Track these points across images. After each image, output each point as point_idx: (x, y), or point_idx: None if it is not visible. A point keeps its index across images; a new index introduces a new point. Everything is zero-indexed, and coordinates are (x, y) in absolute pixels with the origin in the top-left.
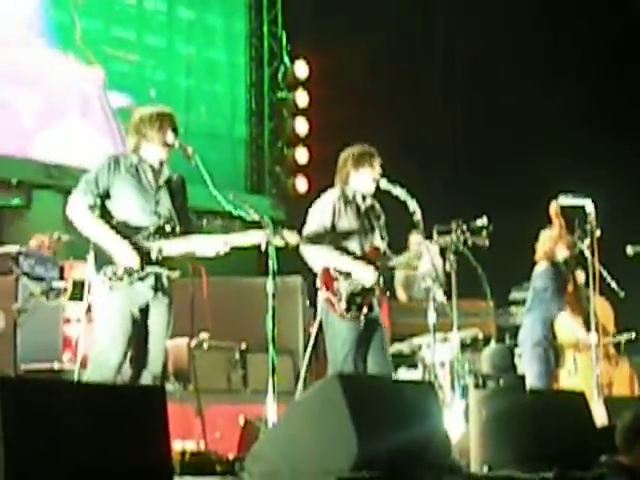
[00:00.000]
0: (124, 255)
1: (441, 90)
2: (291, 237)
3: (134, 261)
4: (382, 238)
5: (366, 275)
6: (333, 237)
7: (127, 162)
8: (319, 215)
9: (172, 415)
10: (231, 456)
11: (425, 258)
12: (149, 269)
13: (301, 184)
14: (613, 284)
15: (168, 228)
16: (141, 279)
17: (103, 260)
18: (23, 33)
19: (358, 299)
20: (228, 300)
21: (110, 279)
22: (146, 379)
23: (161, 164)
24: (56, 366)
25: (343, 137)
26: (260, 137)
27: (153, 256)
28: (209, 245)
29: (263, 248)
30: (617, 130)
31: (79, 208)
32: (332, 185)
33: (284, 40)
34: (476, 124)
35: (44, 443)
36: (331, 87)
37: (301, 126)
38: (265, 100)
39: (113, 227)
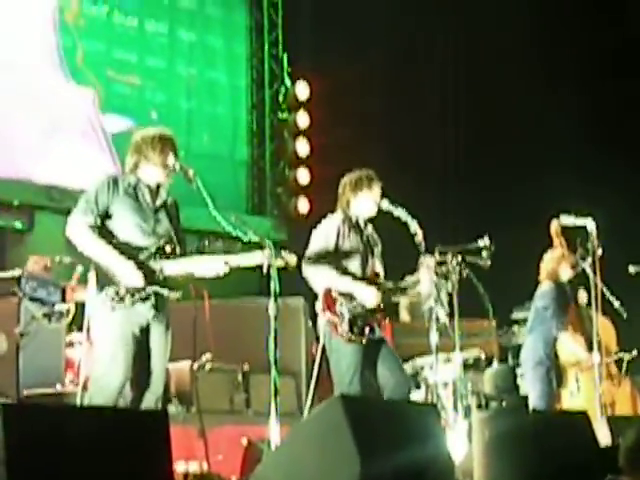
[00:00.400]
0: (128, 274)
1: (441, 107)
2: (290, 258)
3: (139, 280)
4: (380, 265)
5: (369, 295)
6: (335, 259)
7: (125, 183)
8: (323, 237)
9: (175, 437)
10: (234, 478)
11: (426, 279)
12: (151, 289)
13: (303, 205)
14: (616, 303)
15: (168, 249)
16: (142, 300)
17: (105, 280)
18: (30, 57)
19: (360, 321)
20: (230, 322)
21: (112, 299)
22: (149, 400)
23: (158, 186)
24: (58, 389)
25: (344, 157)
26: (261, 158)
27: (155, 276)
28: (209, 266)
29: (265, 269)
30: (620, 147)
31: (80, 228)
32: (334, 206)
33: (285, 62)
34: (477, 141)
35: (47, 468)
36: (332, 108)
37: (302, 147)
38: (266, 121)
39: (115, 247)
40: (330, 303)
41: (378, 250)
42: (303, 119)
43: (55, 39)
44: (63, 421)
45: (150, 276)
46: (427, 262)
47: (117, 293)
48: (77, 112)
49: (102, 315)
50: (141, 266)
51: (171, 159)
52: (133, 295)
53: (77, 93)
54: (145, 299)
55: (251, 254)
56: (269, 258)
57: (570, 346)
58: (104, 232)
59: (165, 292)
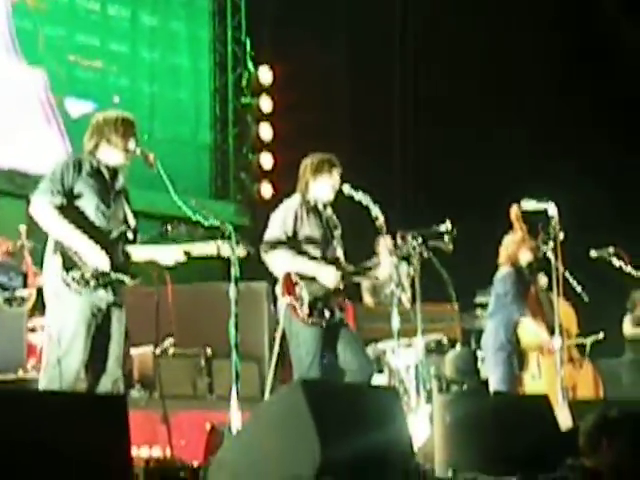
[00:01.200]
0: (95, 257)
1: (404, 94)
2: (242, 251)
3: (105, 263)
4: (340, 248)
5: (329, 276)
6: (295, 243)
7: (87, 164)
8: (281, 221)
9: (138, 422)
10: (196, 463)
11: (387, 262)
12: (114, 275)
13: (266, 190)
14: (577, 288)
15: (130, 235)
16: (105, 285)
17: (69, 263)
18: None
19: (320, 304)
20: (193, 307)
21: (78, 283)
22: (105, 384)
23: (116, 170)
24: (20, 374)
25: (308, 142)
26: (224, 143)
27: (119, 262)
28: (168, 254)
29: (224, 255)
30: (582, 130)
31: (45, 208)
32: (295, 191)
33: (248, 46)
34: (440, 126)
35: (4, 453)
36: (295, 92)
37: (265, 132)
38: (229, 106)
39: (80, 229)
40: (290, 286)
41: (338, 233)
42: (266, 104)
43: (6, 21)
44: (21, 405)
45: (115, 261)
46: (387, 244)
47: (82, 276)
48: (30, 94)
49: (63, 298)
50: (106, 250)
51: (132, 143)
52: (97, 279)
53: (28, 75)
54: (107, 284)
55: (210, 244)
56: (228, 249)
57: (533, 329)
58: (69, 213)
59: (127, 279)
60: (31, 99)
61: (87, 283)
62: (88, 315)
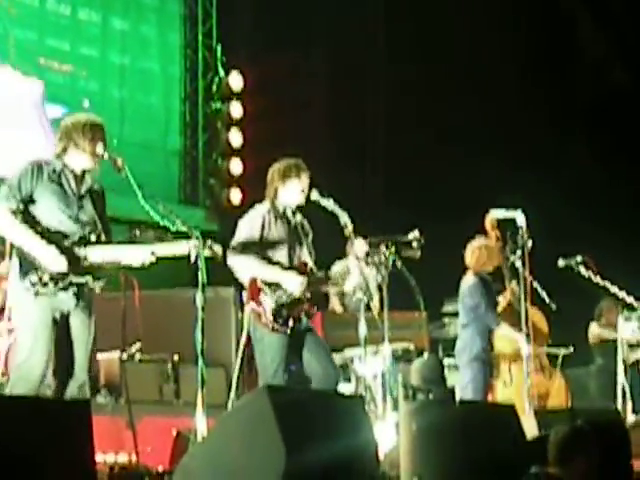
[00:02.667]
0: (51, 260)
1: (376, 100)
2: (217, 248)
3: (62, 265)
4: (310, 255)
5: (294, 283)
6: (261, 249)
7: (50, 168)
8: (248, 227)
9: (104, 428)
10: (161, 469)
11: (355, 270)
12: (74, 278)
13: (235, 196)
14: (545, 296)
15: (93, 237)
16: (65, 288)
17: (27, 267)
18: None
19: (285, 311)
20: (160, 312)
21: (34, 285)
22: (72, 388)
23: (84, 173)
24: None
25: (277, 148)
26: (194, 148)
27: (79, 264)
28: (135, 255)
29: (192, 259)
30: (551, 140)
31: (1, 214)
32: (264, 198)
33: (219, 52)
34: (413, 134)
35: None
36: (265, 99)
37: (235, 138)
38: (199, 111)
39: (38, 233)
40: (255, 293)
41: (308, 240)
42: (236, 109)
43: None
44: None
45: (74, 263)
46: (357, 252)
47: (40, 279)
48: (23, 102)
49: (24, 302)
50: (64, 252)
51: (100, 147)
52: (56, 282)
53: (23, 83)
54: (67, 287)
55: (178, 244)
56: (196, 248)
57: (511, 335)
58: (27, 218)
59: (89, 281)
60: (25, 107)
61: (45, 285)
62: (49, 319)
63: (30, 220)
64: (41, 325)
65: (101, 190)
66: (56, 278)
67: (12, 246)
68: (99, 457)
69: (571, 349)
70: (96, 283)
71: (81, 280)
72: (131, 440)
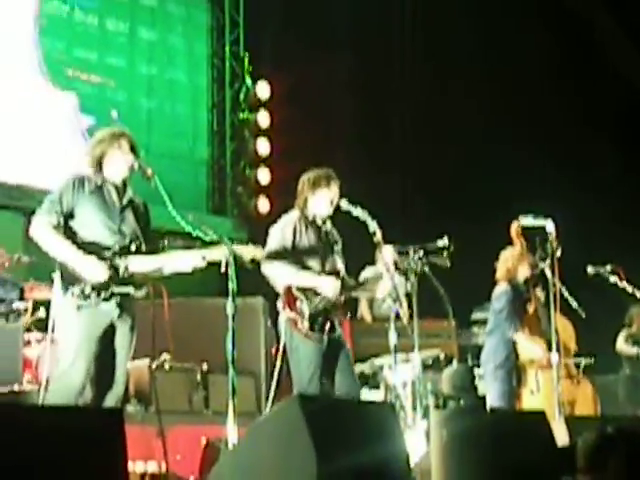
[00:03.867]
0: (91, 270)
1: (403, 109)
2: (257, 251)
3: (102, 275)
4: (340, 263)
5: (329, 286)
6: (294, 256)
7: (91, 182)
8: (280, 234)
9: (134, 437)
10: (192, 478)
11: (385, 278)
12: (116, 288)
13: (263, 205)
14: (574, 304)
15: (133, 247)
16: (107, 299)
17: (70, 279)
18: (13, 63)
19: (320, 319)
20: (190, 321)
21: (78, 298)
22: (110, 400)
23: (124, 184)
24: (16, 388)
25: (305, 157)
26: (222, 158)
27: (119, 274)
28: (185, 260)
29: (231, 263)
30: (580, 148)
31: (43, 228)
32: (293, 206)
33: (246, 61)
34: (441, 142)
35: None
36: (293, 108)
37: (263, 147)
38: (227, 121)
39: (79, 246)
40: (290, 300)
41: (338, 248)
42: (264, 119)
43: (37, 44)
44: (17, 419)
45: (115, 273)
46: (385, 259)
47: (82, 292)
48: (58, 116)
49: (67, 314)
50: (104, 262)
51: (130, 157)
52: (99, 294)
53: (58, 97)
54: (109, 298)
55: (221, 248)
56: (238, 251)
57: (526, 345)
58: (68, 232)
59: (130, 290)
60: (59, 121)
61: (87, 297)
62: (91, 331)
63: (71, 234)
64: (83, 338)
65: (143, 204)
66: (98, 289)
67: (55, 261)
68: (129, 466)
69: (592, 360)
70: (138, 292)
71: (123, 290)
72: (161, 449)
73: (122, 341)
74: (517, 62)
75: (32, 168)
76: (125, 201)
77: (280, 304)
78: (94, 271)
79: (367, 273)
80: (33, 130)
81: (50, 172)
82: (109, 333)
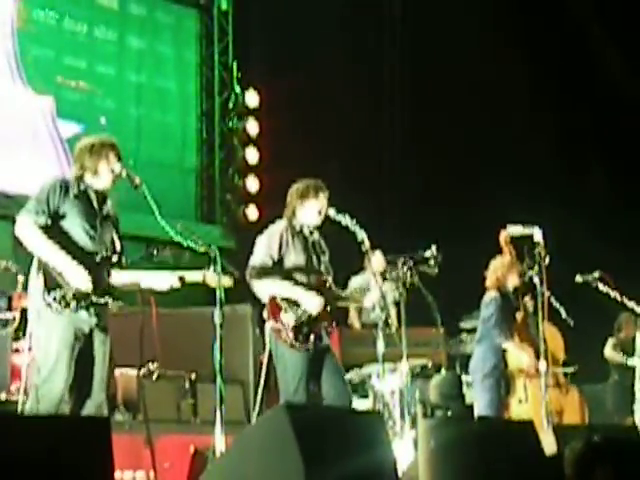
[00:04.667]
0: (78, 278)
1: (391, 120)
2: (227, 281)
3: (87, 284)
4: (327, 273)
5: (312, 302)
6: (279, 267)
7: (75, 187)
8: (266, 244)
9: (122, 445)
10: None
11: (374, 286)
12: (95, 298)
13: (252, 213)
14: (562, 312)
15: (115, 258)
16: (86, 307)
17: (52, 283)
18: None
19: (305, 329)
20: (178, 330)
21: (59, 303)
22: (89, 408)
23: (105, 195)
24: (3, 397)
25: (294, 166)
26: (211, 166)
27: (102, 284)
28: (162, 280)
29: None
30: (567, 157)
31: (30, 227)
32: (283, 214)
33: (235, 69)
34: (427, 154)
35: None
36: (282, 116)
37: (252, 155)
38: (216, 129)
39: (64, 249)
40: (275, 311)
41: (325, 258)
42: (253, 127)
43: (12, 46)
44: (2, 429)
45: (98, 284)
46: (374, 268)
47: (64, 297)
48: (33, 120)
49: (46, 319)
50: (90, 272)
51: (117, 166)
52: (79, 301)
53: (34, 101)
54: (89, 306)
55: (200, 272)
56: (214, 277)
57: (515, 353)
58: (54, 233)
59: (110, 301)
60: (34, 125)
61: (68, 304)
62: (70, 337)
63: (57, 236)
64: (63, 344)
65: (115, 214)
66: (78, 297)
67: (39, 262)
68: (117, 475)
69: (573, 369)
70: (115, 304)
71: (102, 300)
72: (149, 457)
73: (99, 349)
74: (503, 76)
75: (20, 177)
76: (105, 211)
77: (265, 314)
78: (80, 279)
79: (356, 281)
80: (9, 135)
81: (35, 181)
82: (87, 341)
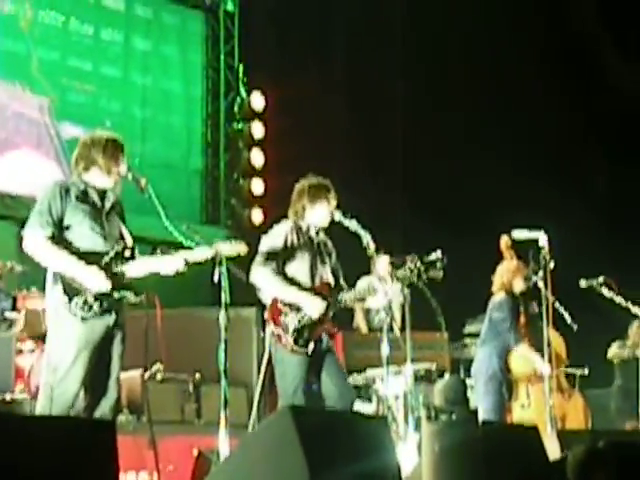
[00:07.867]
0: (94, 280)
1: (397, 122)
2: (241, 247)
3: (105, 285)
4: (334, 274)
5: (313, 307)
6: (284, 266)
7: (74, 188)
8: (271, 244)
9: (125, 447)
10: None
11: (379, 290)
12: (117, 294)
13: (257, 215)
14: (567, 317)
15: (127, 253)
16: (109, 308)
17: (72, 292)
18: None
19: (306, 333)
20: (182, 332)
21: (82, 309)
22: (104, 407)
23: (105, 191)
24: (8, 397)
25: (299, 169)
26: (216, 168)
27: (119, 280)
28: (168, 264)
29: (217, 259)
30: (571, 161)
31: (38, 242)
32: (287, 216)
33: (240, 72)
34: (436, 155)
35: None
36: (287, 119)
37: (257, 157)
38: (221, 131)
39: (75, 255)
40: (275, 314)
41: (331, 259)
42: (258, 129)
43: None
44: (7, 430)
45: (115, 281)
46: (380, 270)
47: (85, 302)
48: (31, 120)
49: (67, 326)
50: (104, 271)
51: (123, 167)
52: (101, 303)
53: (31, 102)
54: (112, 306)
55: (203, 248)
56: (221, 247)
57: (529, 356)
58: (62, 241)
59: (131, 296)
60: (30, 125)
61: (91, 308)
62: (90, 342)
63: (67, 243)
64: (82, 348)
65: (119, 201)
66: (100, 299)
67: (54, 273)
68: (120, 476)
69: (586, 370)
70: (137, 297)
71: (124, 295)
72: (152, 459)
73: (117, 348)
74: (511, 77)
75: (23, 177)
76: (108, 205)
77: (266, 315)
78: (97, 281)
79: (362, 284)
80: (9, 135)
81: (38, 180)
82: (106, 341)
